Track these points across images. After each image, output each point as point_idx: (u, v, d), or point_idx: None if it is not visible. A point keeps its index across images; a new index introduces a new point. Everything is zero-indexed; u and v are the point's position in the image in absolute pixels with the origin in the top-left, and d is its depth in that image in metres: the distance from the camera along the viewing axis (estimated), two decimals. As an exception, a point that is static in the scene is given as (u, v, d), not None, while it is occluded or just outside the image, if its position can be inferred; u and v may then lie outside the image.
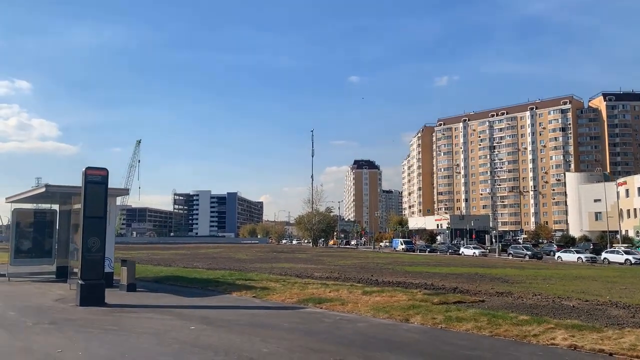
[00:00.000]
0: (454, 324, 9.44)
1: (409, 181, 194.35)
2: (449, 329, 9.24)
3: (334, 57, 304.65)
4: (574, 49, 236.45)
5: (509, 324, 9.22)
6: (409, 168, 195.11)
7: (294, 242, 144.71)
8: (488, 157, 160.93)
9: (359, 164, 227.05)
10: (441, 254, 71.28)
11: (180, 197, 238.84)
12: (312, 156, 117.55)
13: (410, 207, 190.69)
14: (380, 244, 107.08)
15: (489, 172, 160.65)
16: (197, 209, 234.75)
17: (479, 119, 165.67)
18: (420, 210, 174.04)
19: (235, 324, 9.91)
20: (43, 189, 15.07)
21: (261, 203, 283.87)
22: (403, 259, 44.63)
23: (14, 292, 15.08)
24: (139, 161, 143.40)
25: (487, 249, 73.79)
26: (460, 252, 71.99)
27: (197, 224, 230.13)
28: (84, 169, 12.66)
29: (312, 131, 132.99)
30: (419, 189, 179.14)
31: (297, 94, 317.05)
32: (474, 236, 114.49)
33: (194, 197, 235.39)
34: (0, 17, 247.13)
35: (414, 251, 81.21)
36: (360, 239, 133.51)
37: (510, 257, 59.97)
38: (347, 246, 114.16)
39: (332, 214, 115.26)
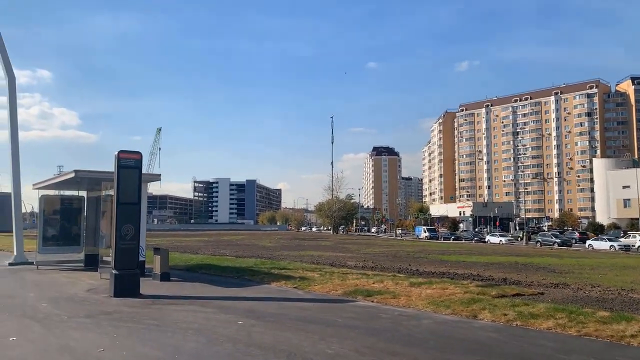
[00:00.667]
0: (530, 321, 8.47)
1: (430, 168, 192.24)
2: (527, 327, 8.27)
3: (351, 44, 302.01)
4: (599, 33, 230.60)
5: (594, 322, 8.23)
6: (429, 154, 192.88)
7: (314, 229, 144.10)
8: (511, 143, 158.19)
9: (378, 151, 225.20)
10: (466, 242, 70.08)
11: (200, 185, 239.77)
12: (332, 143, 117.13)
13: (431, 194, 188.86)
14: (398, 231, 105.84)
15: (512, 159, 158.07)
16: (216, 196, 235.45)
17: (502, 104, 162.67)
18: (441, 198, 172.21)
19: (286, 318, 9.08)
20: (72, 175, 14.39)
21: (279, 190, 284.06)
22: (431, 247, 43.59)
23: (44, 282, 14.49)
24: (160, 148, 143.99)
25: (513, 237, 72.37)
26: (486, 240, 70.68)
27: (216, 211, 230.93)
28: (116, 153, 11.89)
29: (331, 117, 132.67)
30: (440, 175, 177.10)
31: (314, 81, 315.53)
32: (497, 223, 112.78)
33: (214, 185, 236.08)
34: (20, 6, 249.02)
35: (437, 239, 79.99)
36: (381, 227, 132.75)
37: (539, 245, 58.60)
38: (368, 233, 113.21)
39: (352, 201, 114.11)
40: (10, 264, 19.43)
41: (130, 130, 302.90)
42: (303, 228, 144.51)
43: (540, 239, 61.59)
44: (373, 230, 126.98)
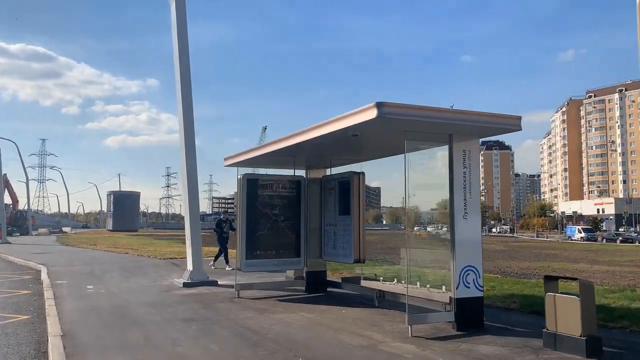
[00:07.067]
0: None
1: (550, 162, 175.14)
2: None
3: (442, 37, 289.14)
4: None
5: None
6: (549, 147, 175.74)
7: (429, 228, 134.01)
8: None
9: (487, 145, 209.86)
10: (643, 245, 57.75)
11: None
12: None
13: (552, 190, 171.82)
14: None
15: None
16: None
17: (638, 88, 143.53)
18: (566, 194, 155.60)
19: None
20: (373, 112, 6.49)
21: (379, 189, 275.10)
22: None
23: (309, 343, 6.68)
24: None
25: None
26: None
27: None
28: None
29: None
30: (565, 169, 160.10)
31: (403, 77, 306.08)
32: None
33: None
34: (130, 20, 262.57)
35: (595, 240, 68.22)
36: (502, 226, 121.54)
37: None
38: (496, 234, 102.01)
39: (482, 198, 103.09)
40: (185, 285, 12.34)
41: (231, 132, 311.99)
42: (416, 228, 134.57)
43: None
44: (494, 230, 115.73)
